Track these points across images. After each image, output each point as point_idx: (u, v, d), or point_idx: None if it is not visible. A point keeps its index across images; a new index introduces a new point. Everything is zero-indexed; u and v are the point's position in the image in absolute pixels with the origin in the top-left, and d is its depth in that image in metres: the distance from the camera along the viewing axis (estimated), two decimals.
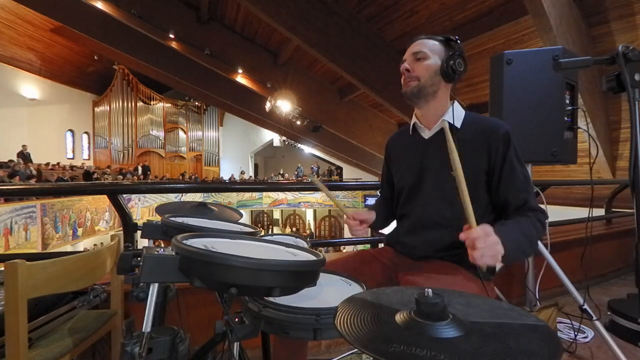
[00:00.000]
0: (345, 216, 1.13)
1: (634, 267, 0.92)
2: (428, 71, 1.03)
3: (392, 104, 7.82)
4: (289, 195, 13.65)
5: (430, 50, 1.03)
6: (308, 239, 1.19)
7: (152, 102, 15.71)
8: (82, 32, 8.62)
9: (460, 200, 0.76)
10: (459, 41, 1.05)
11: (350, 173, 14.86)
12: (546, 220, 0.97)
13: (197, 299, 1.59)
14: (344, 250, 9.56)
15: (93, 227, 8.89)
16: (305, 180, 14.69)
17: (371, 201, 12.85)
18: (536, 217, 0.94)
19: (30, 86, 11.34)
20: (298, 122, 10.50)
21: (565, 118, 1.58)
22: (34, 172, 8.84)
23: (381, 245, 1.28)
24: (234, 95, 10.94)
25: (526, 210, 0.96)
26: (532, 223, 0.93)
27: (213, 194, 10.77)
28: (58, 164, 11.15)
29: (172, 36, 8.41)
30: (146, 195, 10.71)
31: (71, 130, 13.71)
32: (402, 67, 1.05)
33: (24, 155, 9.64)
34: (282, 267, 0.63)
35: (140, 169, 14.09)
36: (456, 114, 1.06)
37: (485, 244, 0.76)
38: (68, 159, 13.33)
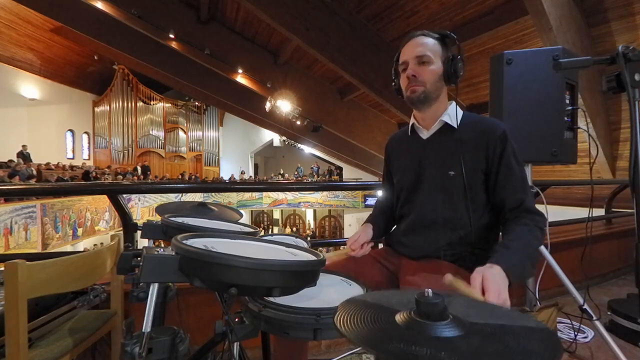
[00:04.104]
0: (347, 252, 1.11)
1: (634, 267, 0.92)
2: (433, 77, 1.02)
3: (392, 104, 7.83)
4: (289, 195, 13.64)
5: (432, 52, 1.02)
6: (308, 239, 1.19)
7: (152, 102, 15.71)
8: (82, 32, 8.62)
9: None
10: (457, 40, 1.04)
11: (350, 173, 14.86)
12: (544, 224, 0.95)
13: (197, 299, 1.59)
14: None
15: (93, 227, 8.89)
16: (305, 180, 14.73)
17: (371, 201, 12.85)
18: (535, 224, 0.93)
19: (30, 86, 11.33)
20: (298, 122, 10.50)
21: (565, 118, 1.58)
22: (34, 172, 8.84)
23: (381, 245, 1.28)
24: (234, 95, 10.94)
25: (522, 212, 0.95)
26: (532, 233, 0.91)
27: (213, 194, 10.78)
28: (58, 163, 11.15)
29: (172, 36, 8.41)
30: (146, 195, 10.71)
31: (71, 130, 13.71)
32: (407, 72, 1.03)
33: (23, 155, 9.64)
34: (282, 267, 0.63)
35: (139, 169, 14.09)
36: (454, 114, 1.06)
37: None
38: (68, 159, 13.32)
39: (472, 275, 0.77)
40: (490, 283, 0.76)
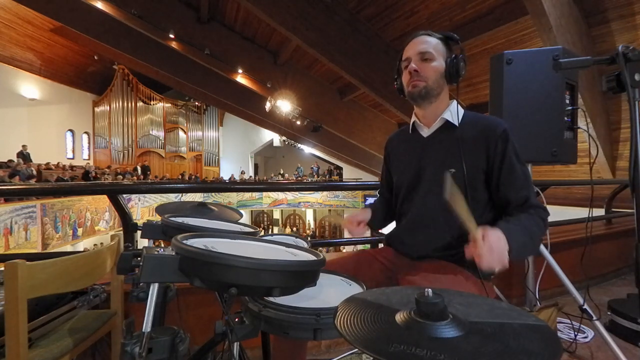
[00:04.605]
0: (343, 223, 1.16)
1: (634, 267, 0.92)
2: (435, 74, 1.02)
3: (392, 103, 7.82)
4: (289, 195, 13.64)
5: (435, 50, 1.03)
6: (308, 239, 1.19)
7: (152, 102, 15.70)
8: (82, 32, 8.62)
9: (461, 218, 0.78)
10: (459, 41, 1.05)
11: (350, 173, 14.86)
12: (547, 217, 0.97)
13: (197, 299, 1.59)
14: (344, 250, 9.56)
15: (93, 227, 8.89)
16: (305, 180, 14.73)
17: (371, 201, 12.83)
18: (538, 215, 0.94)
19: (30, 86, 11.33)
20: (298, 122, 10.51)
21: (565, 118, 1.58)
22: (34, 172, 8.84)
23: (381, 245, 1.28)
24: (234, 95, 10.94)
25: (527, 208, 0.96)
26: (535, 221, 0.93)
27: (213, 194, 10.78)
28: (58, 164, 11.14)
29: (172, 36, 8.41)
30: (146, 195, 10.71)
31: (71, 130, 13.70)
32: (409, 67, 1.04)
33: (23, 155, 9.63)
34: (282, 267, 0.63)
35: (139, 169, 14.09)
36: (455, 113, 1.06)
37: (492, 258, 0.77)
38: (68, 159, 13.32)
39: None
40: (492, 237, 0.78)
